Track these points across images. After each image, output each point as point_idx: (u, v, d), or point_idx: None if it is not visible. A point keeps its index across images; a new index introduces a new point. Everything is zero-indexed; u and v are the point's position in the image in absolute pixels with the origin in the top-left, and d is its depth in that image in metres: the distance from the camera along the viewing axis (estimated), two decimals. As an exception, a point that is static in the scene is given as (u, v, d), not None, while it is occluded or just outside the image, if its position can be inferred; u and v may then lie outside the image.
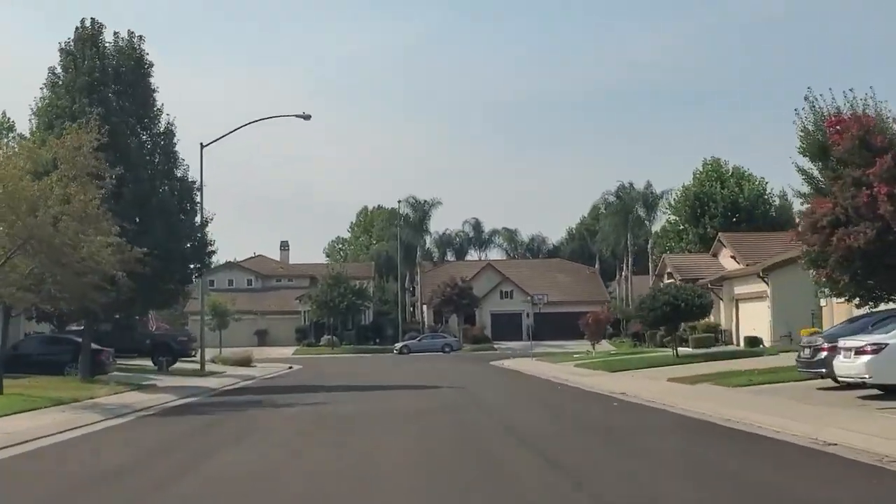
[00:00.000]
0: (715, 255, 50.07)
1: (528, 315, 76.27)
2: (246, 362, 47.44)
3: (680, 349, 46.32)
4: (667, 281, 51.89)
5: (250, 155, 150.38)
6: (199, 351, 38.52)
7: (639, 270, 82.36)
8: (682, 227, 56.30)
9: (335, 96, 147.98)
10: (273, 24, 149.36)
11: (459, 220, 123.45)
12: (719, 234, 48.78)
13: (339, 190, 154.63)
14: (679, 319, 33.91)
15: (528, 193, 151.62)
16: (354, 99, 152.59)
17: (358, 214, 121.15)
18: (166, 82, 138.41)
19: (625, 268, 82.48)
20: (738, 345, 45.10)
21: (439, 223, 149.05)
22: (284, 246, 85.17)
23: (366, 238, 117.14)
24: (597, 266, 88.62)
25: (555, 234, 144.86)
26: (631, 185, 78.03)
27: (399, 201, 75.96)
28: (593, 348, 46.01)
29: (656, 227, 75.01)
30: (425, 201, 76.32)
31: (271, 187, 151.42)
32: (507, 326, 75.53)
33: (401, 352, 65.59)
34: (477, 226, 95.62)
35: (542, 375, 33.77)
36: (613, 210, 79.09)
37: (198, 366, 41.21)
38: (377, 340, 73.71)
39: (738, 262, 46.35)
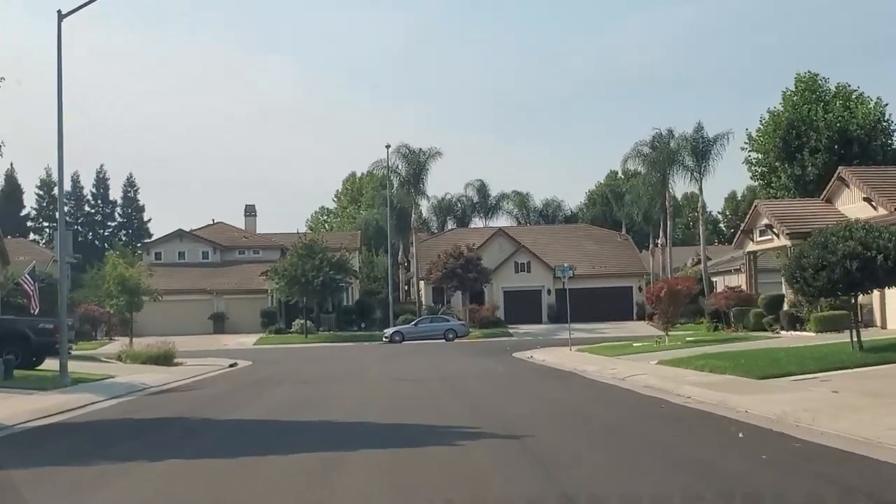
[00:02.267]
0: (829, 201, 35.45)
1: (549, 291, 61.77)
2: (166, 359, 32.99)
3: (799, 333, 31.99)
4: (759, 239, 37.30)
5: (214, 107, 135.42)
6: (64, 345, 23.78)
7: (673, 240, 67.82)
8: (766, 167, 41.49)
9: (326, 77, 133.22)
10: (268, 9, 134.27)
11: (461, 185, 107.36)
12: (840, 169, 34.10)
13: (324, 156, 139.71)
14: (873, 283, 19.21)
15: (539, 156, 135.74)
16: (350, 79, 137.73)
17: (344, 182, 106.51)
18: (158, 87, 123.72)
19: (661, 234, 67.99)
20: (883, 326, 30.57)
21: (438, 187, 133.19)
22: (250, 211, 70.07)
23: (354, 209, 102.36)
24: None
25: (572, 199, 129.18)
26: (671, 132, 63.42)
27: (387, 146, 60.45)
28: (666, 333, 31.49)
29: (708, 183, 60.67)
30: (421, 150, 61.14)
31: (240, 149, 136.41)
32: (523, 306, 60.99)
33: (392, 339, 51.12)
34: (482, 189, 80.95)
35: (629, 385, 19.20)
36: (649, 163, 64.53)
37: (81, 365, 26.99)
38: (363, 325, 59.15)
39: (877, 207, 31.73)
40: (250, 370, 31.33)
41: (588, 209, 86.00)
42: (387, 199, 64.58)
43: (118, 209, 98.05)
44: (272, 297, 59.20)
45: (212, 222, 68.94)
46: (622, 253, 63.75)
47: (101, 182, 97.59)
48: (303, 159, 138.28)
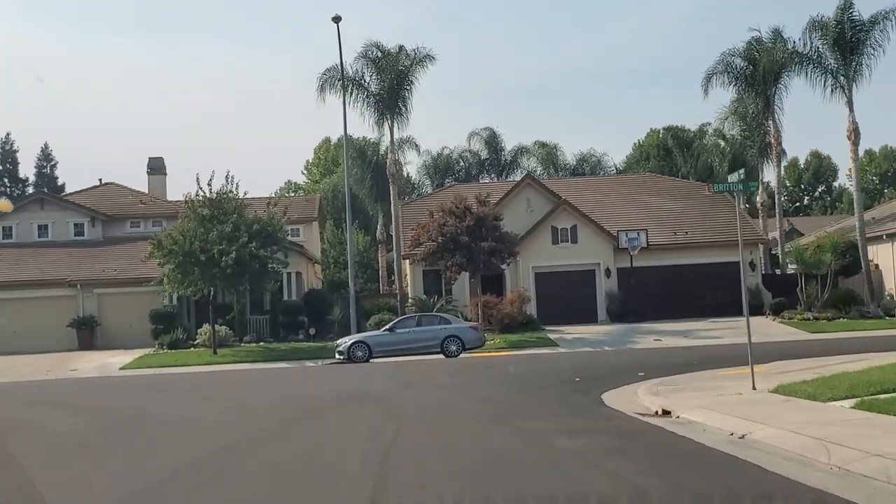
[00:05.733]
0: None
1: (607, 272, 39.46)
2: None
3: None
4: None
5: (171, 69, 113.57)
6: None
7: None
8: None
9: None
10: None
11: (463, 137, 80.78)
12: None
13: (293, 122, 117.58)
14: None
15: (565, 114, 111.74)
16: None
17: (317, 150, 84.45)
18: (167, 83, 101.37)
19: (761, 189, 45.91)
20: None
21: (431, 141, 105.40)
22: (155, 167, 47.32)
23: (329, 181, 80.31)
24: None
25: (616, 153, 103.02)
26: (777, 32, 41.41)
27: (336, 19, 34.41)
28: None
29: (862, 94, 38.85)
30: (403, 51, 38.45)
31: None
32: (566, 296, 38.76)
33: (350, 356, 29.25)
34: (492, 141, 58.74)
35: None
36: (744, 81, 42.75)
37: None
38: (313, 331, 36.99)
39: None
40: None
41: (639, 164, 63.64)
42: (344, 130, 42.21)
43: (30, 189, 76.35)
44: (168, 289, 36.89)
45: (99, 183, 46.70)
46: (716, 214, 41.39)
47: (9, 155, 75.89)
48: (271, 132, 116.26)
